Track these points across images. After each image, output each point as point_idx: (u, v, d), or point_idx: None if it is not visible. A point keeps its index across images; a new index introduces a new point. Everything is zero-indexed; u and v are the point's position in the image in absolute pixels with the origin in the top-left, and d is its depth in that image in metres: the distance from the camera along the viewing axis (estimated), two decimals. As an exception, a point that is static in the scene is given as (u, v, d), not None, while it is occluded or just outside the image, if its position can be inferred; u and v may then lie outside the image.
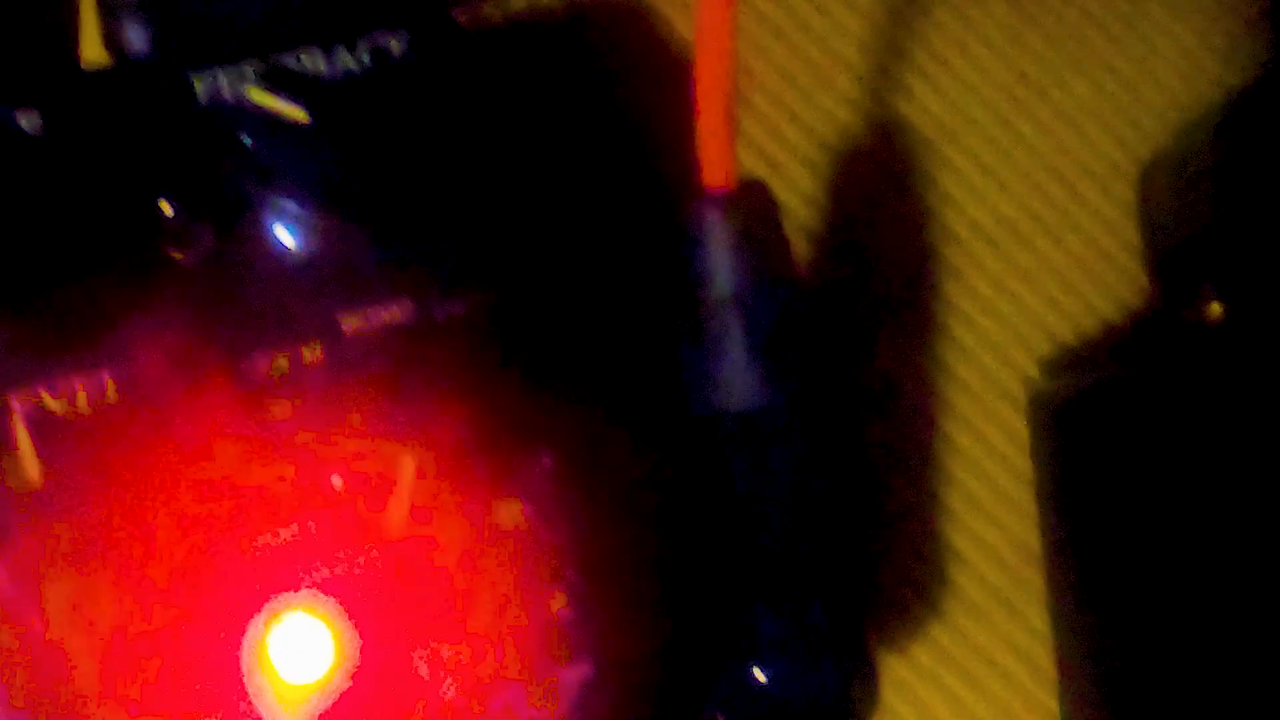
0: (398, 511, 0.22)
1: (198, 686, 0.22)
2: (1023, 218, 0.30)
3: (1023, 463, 0.30)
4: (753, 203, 0.24)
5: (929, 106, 0.30)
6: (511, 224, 0.23)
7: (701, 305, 0.24)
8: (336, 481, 0.22)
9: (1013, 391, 0.30)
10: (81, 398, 0.21)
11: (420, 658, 0.22)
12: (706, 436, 0.24)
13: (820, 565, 0.24)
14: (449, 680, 0.22)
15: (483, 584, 0.22)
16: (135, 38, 0.23)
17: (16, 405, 0.21)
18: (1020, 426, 0.30)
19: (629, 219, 0.27)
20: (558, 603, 0.23)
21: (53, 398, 0.21)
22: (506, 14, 0.28)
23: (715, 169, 0.24)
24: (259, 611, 0.22)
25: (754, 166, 0.29)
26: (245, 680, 0.22)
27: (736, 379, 0.24)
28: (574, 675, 0.23)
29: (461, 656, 0.22)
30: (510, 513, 0.22)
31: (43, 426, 0.21)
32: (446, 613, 0.22)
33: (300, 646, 0.22)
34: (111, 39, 0.23)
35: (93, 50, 0.27)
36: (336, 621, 0.22)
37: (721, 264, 0.23)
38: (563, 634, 0.23)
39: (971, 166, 0.30)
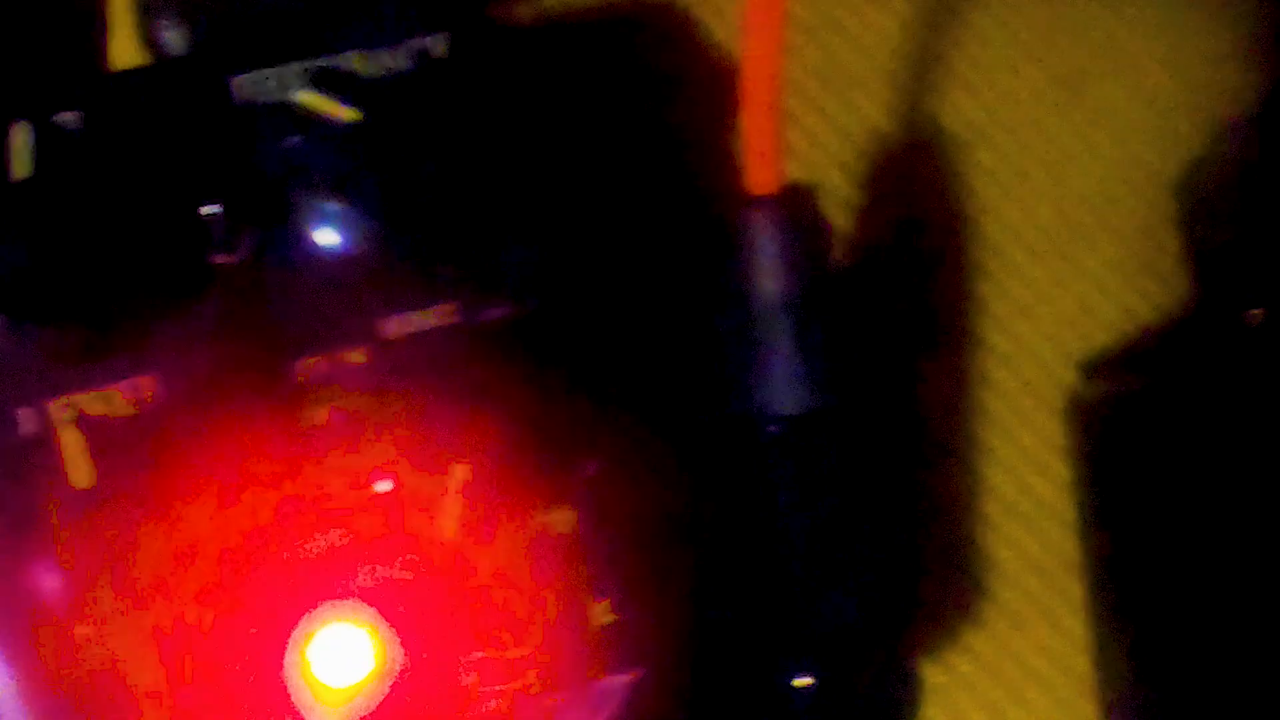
0: (443, 517, 0.22)
1: (240, 690, 0.21)
2: (1059, 222, 0.30)
3: (1062, 469, 0.29)
4: (799, 206, 0.24)
5: (964, 110, 0.30)
6: (555, 227, 0.23)
7: (748, 310, 0.23)
8: (381, 486, 0.22)
9: (1051, 397, 0.30)
10: (125, 401, 0.21)
11: (464, 666, 0.22)
12: (750, 441, 0.24)
13: (862, 571, 0.24)
14: (493, 688, 0.22)
15: (527, 591, 0.22)
16: (175, 39, 0.23)
17: (64, 409, 0.21)
18: (1059, 432, 0.29)
19: (671, 222, 0.26)
20: (602, 611, 0.22)
21: (97, 401, 0.21)
22: (541, 13, 0.28)
23: (762, 172, 0.23)
24: (302, 617, 0.22)
25: (787, 170, 0.29)
26: (288, 686, 0.22)
27: (784, 382, 0.23)
28: (619, 684, 0.22)
29: (505, 665, 0.22)
30: (555, 519, 0.22)
31: (88, 429, 0.21)
32: (490, 620, 0.22)
33: (343, 653, 0.22)
34: (151, 40, 0.23)
35: (122, 53, 0.27)
36: (380, 628, 0.22)
37: (769, 268, 0.23)
38: (607, 642, 0.22)
39: (1007, 170, 0.30)
